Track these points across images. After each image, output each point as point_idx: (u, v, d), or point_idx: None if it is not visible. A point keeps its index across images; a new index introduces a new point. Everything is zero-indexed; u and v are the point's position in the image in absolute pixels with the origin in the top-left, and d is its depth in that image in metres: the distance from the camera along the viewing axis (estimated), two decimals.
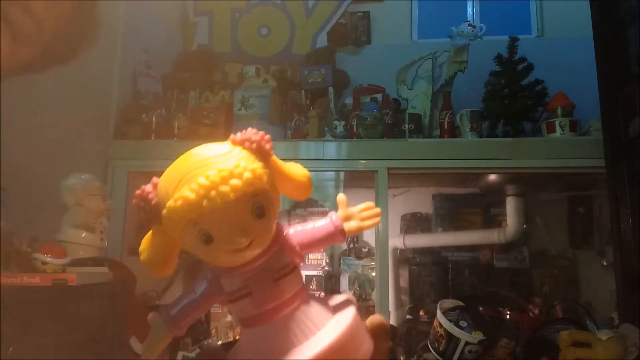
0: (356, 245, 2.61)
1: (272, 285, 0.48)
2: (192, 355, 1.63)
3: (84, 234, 1.25)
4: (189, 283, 2.67)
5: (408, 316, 2.45)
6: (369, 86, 2.24)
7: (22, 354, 0.88)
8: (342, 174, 2.19)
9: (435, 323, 1.63)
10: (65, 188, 1.26)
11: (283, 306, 0.49)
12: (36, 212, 1.27)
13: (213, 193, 0.42)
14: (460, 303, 1.66)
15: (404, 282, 2.62)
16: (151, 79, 2.23)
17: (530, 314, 1.88)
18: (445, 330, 1.56)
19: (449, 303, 1.67)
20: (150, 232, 0.49)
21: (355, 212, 0.53)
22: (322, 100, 2.11)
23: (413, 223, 2.64)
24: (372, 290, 2.45)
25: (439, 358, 1.58)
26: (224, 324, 2.52)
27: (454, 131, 1.97)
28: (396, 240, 2.52)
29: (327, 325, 0.49)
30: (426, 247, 2.56)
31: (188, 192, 0.43)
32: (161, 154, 1.99)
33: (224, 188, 0.43)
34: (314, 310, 0.50)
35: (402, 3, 2.77)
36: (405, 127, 2.00)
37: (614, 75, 1.59)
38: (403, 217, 2.67)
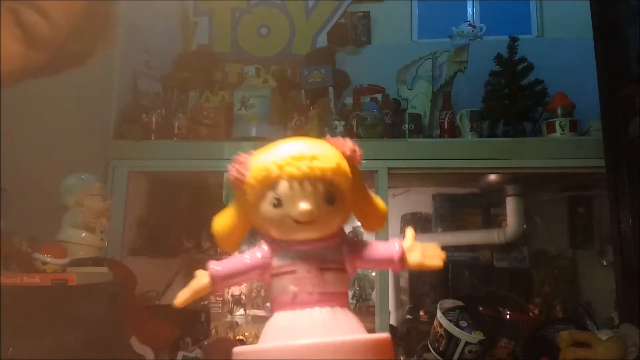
0: None
1: (317, 271, 0.51)
2: (192, 355, 1.63)
3: (84, 234, 1.24)
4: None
5: (408, 316, 2.45)
6: (369, 86, 2.24)
7: (22, 354, 0.87)
8: None
9: (435, 323, 1.63)
10: (65, 188, 1.26)
11: (320, 298, 0.51)
12: (36, 212, 1.27)
13: (298, 163, 0.49)
14: (460, 303, 1.66)
15: (404, 282, 2.62)
16: (151, 79, 2.23)
17: (530, 314, 1.88)
18: (445, 330, 1.56)
19: (449, 303, 1.67)
20: (227, 207, 0.56)
21: (420, 246, 0.54)
22: (322, 100, 2.11)
23: (413, 223, 2.64)
24: (372, 290, 2.45)
25: (439, 358, 1.58)
26: (224, 324, 2.52)
27: (454, 131, 1.97)
28: None
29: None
30: None
31: (279, 157, 0.50)
32: (161, 154, 1.99)
33: (309, 163, 0.49)
34: (348, 319, 0.52)
35: (402, 3, 2.76)
36: (405, 127, 1.99)
37: (614, 75, 1.58)
38: (403, 217, 2.67)
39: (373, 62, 2.58)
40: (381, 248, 0.55)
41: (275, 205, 0.50)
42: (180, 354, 1.60)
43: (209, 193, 2.63)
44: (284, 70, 2.37)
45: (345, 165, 0.51)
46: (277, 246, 0.53)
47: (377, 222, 0.58)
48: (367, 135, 1.91)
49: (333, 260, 0.52)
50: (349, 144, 0.53)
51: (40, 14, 0.49)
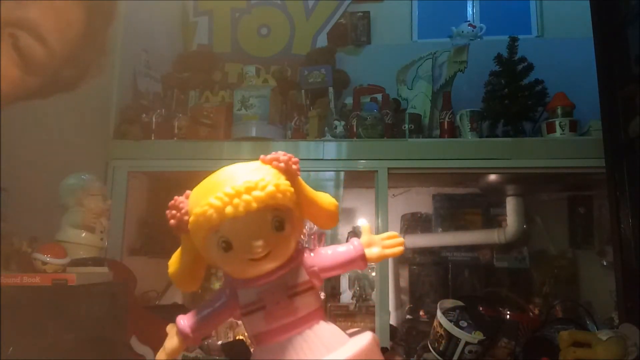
0: None
1: (286, 300, 0.49)
2: (192, 355, 1.63)
3: (84, 234, 1.24)
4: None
5: (408, 316, 2.45)
6: (369, 86, 2.24)
7: (22, 354, 0.87)
8: (342, 174, 2.19)
9: (435, 323, 1.63)
10: (65, 188, 1.26)
11: (296, 324, 0.49)
12: (36, 212, 1.27)
13: (236, 201, 0.45)
14: (460, 303, 1.66)
15: (404, 282, 2.62)
16: (151, 79, 2.23)
17: (530, 314, 1.88)
18: (445, 330, 1.56)
19: (449, 303, 1.67)
20: (179, 248, 0.53)
21: (378, 239, 0.54)
22: (322, 100, 2.11)
23: (413, 223, 2.64)
24: (372, 290, 2.45)
25: (439, 358, 1.57)
26: (224, 324, 2.52)
27: (454, 131, 1.96)
28: None
29: (340, 348, 0.49)
30: (426, 247, 2.56)
31: (214, 200, 0.45)
32: (161, 154, 1.99)
33: (247, 197, 0.45)
34: (329, 332, 0.51)
35: (402, 3, 2.77)
36: (405, 127, 1.99)
37: (614, 75, 1.58)
38: (403, 217, 2.67)
39: (373, 62, 2.58)
40: (341, 252, 0.53)
41: (225, 249, 0.47)
42: (180, 354, 1.60)
43: None
44: (284, 70, 2.37)
45: (283, 182, 0.48)
46: (239, 284, 0.51)
47: (330, 220, 0.55)
48: (367, 135, 1.91)
49: (299, 283, 0.51)
50: (280, 156, 0.50)
51: (38, 40, 0.50)
